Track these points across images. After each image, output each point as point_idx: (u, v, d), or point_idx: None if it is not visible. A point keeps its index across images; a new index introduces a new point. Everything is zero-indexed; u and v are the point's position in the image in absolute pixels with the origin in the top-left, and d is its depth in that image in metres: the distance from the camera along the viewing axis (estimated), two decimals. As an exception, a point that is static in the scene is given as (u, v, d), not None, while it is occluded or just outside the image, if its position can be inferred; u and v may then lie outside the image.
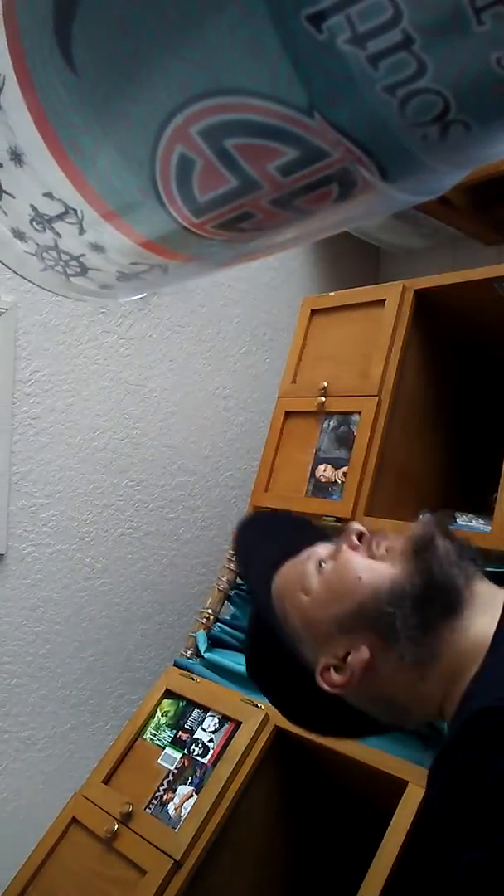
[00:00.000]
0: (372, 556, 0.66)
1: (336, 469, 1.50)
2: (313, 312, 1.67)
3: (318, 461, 1.54)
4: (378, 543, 0.67)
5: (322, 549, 0.70)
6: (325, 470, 1.52)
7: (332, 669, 0.65)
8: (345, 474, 1.47)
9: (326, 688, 0.65)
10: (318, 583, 0.67)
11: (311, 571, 0.68)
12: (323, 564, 0.68)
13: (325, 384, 1.54)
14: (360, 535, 0.67)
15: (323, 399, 1.54)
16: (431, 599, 0.62)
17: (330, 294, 1.67)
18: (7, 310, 1.50)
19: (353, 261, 2.28)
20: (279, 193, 0.36)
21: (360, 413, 1.48)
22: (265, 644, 0.74)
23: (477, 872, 0.47)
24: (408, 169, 0.35)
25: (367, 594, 0.63)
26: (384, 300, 1.52)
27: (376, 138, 0.33)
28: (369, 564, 0.65)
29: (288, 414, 1.62)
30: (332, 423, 1.54)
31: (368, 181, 0.35)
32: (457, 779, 0.50)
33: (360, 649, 0.63)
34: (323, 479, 1.51)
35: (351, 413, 1.50)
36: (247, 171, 0.34)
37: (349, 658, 0.64)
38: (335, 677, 0.65)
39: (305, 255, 2.17)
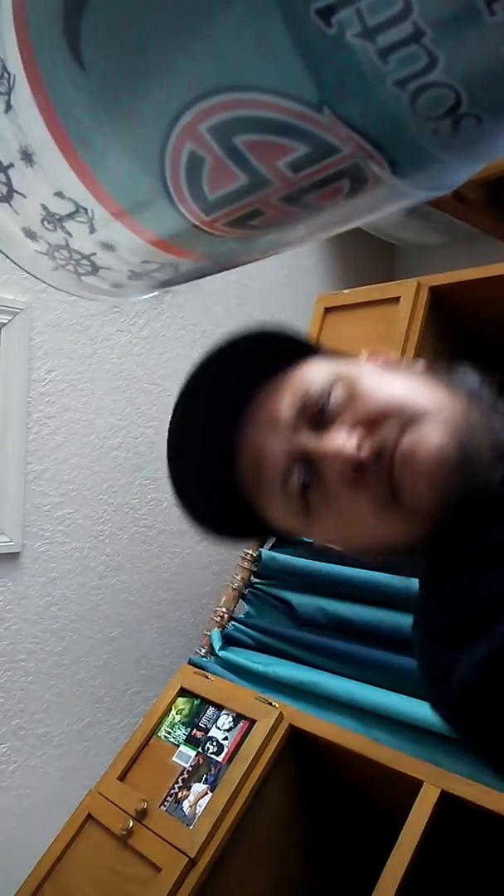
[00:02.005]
0: (376, 500, 0.49)
1: (350, 467, 1.49)
2: (327, 310, 1.66)
3: (333, 459, 1.53)
4: (386, 470, 0.48)
5: (304, 440, 0.52)
6: (339, 468, 1.51)
7: None
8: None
9: None
10: (316, 511, 0.53)
11: (294, 486, 0.52)
12: (307, 485, 0.52)
13: (339, 382, 1.53)
14: (358, 465, 0.49)
15: (337, 397, 1.53)
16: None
17: (344, 292, 1.67)
18: (22, 310, 1.51)
19: (368, 258, 2.27)
20: (289, 190, 0.36)
21: (374, 411, 1.47)
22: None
23: (485, 667, 0.43)
24: (419, 164, 0.34)
25: (373, 547, 0.54)
26: (399, 297, 1.51)
27: (387, 133, 0.32)
28: (375, 523, 0.51)
29: (302, 412, 1.62)
30: (346, 421, 1.54)
31: (379, 177, 0.35)
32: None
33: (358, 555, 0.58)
34: (337, 478, 1.51)
35: (365, 411, 1.49)
36: (256, 167, 0.34)
37: None
38: None
39: (320, 252, 2.16)
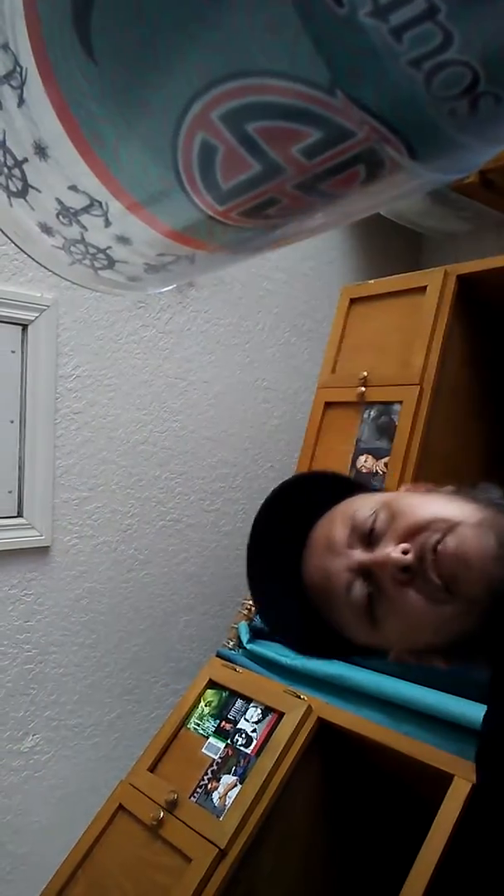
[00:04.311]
0: (430, 596, 0.58)
1: (377, 459, 1.48)
2: (352, 301, 1.64)
3: (359, 451, 1.52)
4: (431, 569, 0.57)
5: (358, 555, 0.62)
6: (365, 460, 1.50)
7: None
8: (386, 465, 1.45)
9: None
10: (381, 617, 0.61)
11: (358, 596, 0.61)
12: (371, 596, 0.61)
13: (366, 373, 1.52)
14: (406, 568, 0.58)
15: (363, 389, 1.52)
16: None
17: (369, 282, 1.65)
18: (48, 307, 1.52)
19: (394, 248, 2.24)
20: (304, 177, 0.35)
21: (401, 402, 1.45)
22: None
23: None
24: (437, 146, 0.33)
25: (439, 644, 0.61)
26: (425, 287, 1.49)
27: (402, 115, 0.31)
28: (433, 617, 0.58)
29: (328, 404, 1.61)
30: (372, 412, 1.52)
31: (396, 161, 0.34)
32: None
33: (432, 661, 0.64)
34: (364, 470, 1.50)
35: (392, 403, 1.48)
36: (270, 155, 0.33)
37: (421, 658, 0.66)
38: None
39: (345, 243, 2.14)
